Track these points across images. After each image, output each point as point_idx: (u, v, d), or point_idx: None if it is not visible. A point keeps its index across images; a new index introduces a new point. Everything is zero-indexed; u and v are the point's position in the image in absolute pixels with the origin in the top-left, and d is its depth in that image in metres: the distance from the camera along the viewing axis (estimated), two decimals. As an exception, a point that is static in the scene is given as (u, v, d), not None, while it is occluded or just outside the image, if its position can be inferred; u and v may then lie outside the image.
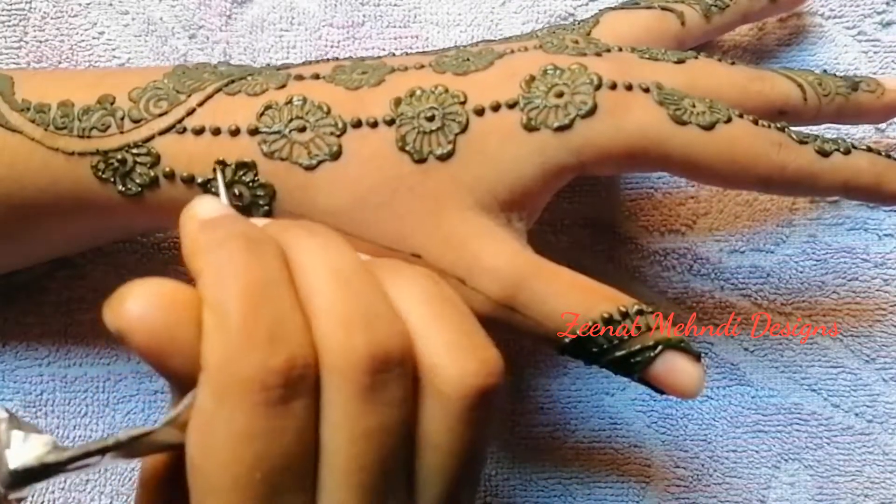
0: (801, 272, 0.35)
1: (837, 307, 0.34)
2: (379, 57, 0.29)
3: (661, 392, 0.25)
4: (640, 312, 0.25)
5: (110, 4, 0.35)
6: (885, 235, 0.34)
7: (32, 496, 0.34)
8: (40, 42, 0.35)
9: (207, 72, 0.27)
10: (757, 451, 0.34)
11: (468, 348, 0.22)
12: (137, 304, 0.20)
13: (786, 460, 0.34)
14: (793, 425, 0.34)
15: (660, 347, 0.25)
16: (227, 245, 0.21)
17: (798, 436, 0.34)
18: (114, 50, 0.35)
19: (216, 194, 0.26)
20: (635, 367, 0.25)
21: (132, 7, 0.35)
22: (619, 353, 0.25)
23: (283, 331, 0.20)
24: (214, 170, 0.26)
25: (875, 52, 0.35)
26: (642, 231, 0.35)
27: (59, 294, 0.35)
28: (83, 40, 0.35)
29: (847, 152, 0.28)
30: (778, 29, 0.35)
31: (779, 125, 0.27)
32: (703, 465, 0.34)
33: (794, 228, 0.35)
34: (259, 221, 0.24)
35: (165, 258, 0.35)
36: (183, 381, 0.20)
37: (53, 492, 0.34)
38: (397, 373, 0.21)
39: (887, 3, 0.35)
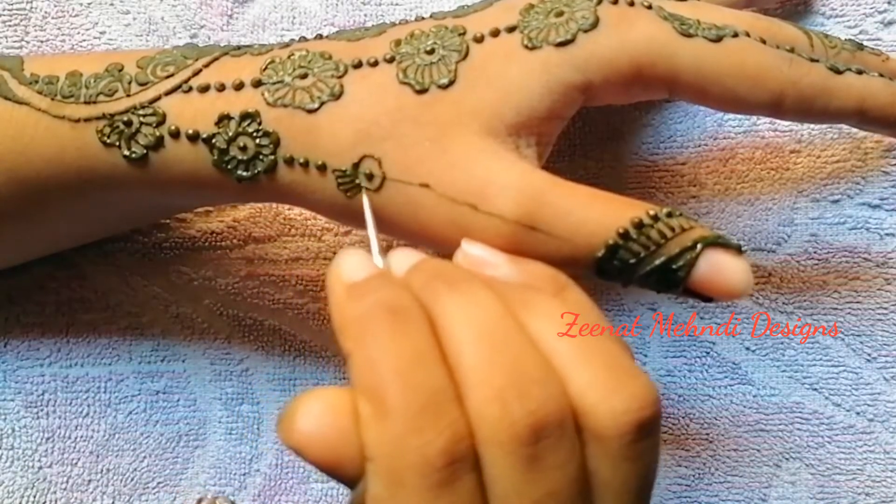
0: (803, 271, 0.35)
1: (839, 306, 0.34)
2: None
3: (709, 300, 0.24)
4: (670, 214, 0.24)
5: (111, 4, 0.35)
6: (887, 235, 0.34)
7: (34, 496, 0.34)
8: (41, 42, 0.35)
9: (218, 48, 0.28)
10: (758, 450, 0.34)
11: (617, 383, 0.21)
12: (306, 423, 0.20)
13: (787, 459, 0.34)
14: (794, 424, 0.34)
15: (700, 246, 0.23)
16: (373, 323, 0.21)
17: (799, 434, 0.34)
18: (115, 50, 0.35)
19: (221, 150, 0.26)
20: (678, 273, 0.23)
21: (133, 7, 0.35)
22: (658, 261, 0.23)
23: (439, 408, 0.20)
24: (364, 195, 0.25)
25: (876, 52, 0.35)
26: (644, 230, 0.35)
27: (59, 294, 0.35)
28: (84, 40, 0.35)
29: (859, 73, 0.27)
30: (779, 28, 0.36)
31: (787, 47, 0.27)
32: (704, 464, 0.35)
33: (796, 228, 0.35)
34: (401, 261, 0.23)
35: (167, 258, 0.35)
36: (357, 480, 0.21)
37: (55, 492, 0.34)
38: (558, 434, 0.20)
39: (888, 3, 0.35)
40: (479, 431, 0.20)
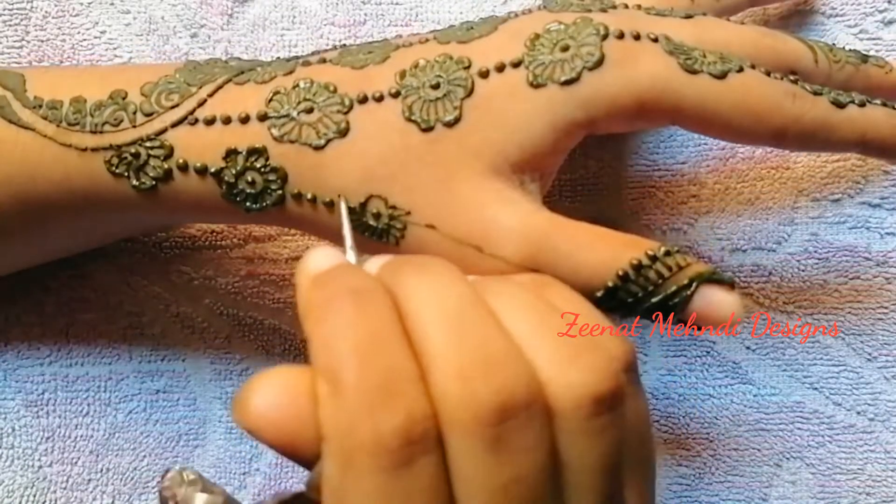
0: (803, 271, 0.35)
1: (839, 306, 0.34)
2: (385, 39, 0.29)
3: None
4: (667, 254, 0.24)
5: (112, 3, 0.35)
6: (887, 234, 0.34)
7: (34, 495, 0.34)
8: (42, 41, 0.35)
9: (218, 66, 0.28)
10: (759, 450, 0.34)
11: (572, 357, 0.20)
12: (262, 402, 0.20)
13: (788, 458, 0.34)
14: (794, 423, 0.34)
15: (694, 284, 0.24)
16: (334, 304, 0.20)
17: (800, 434, 0.34)
18: (115, 49, 0.35)
19: (229, 184, 0.26)
20: (674, 310, 0.24)
21: (133, 6, 0.35)
22: (655, 300, 0.24)
23: (397, 388, 0.19)
24: (339, 201, 0.26)
25: (876, 51, 0.35)
26: (644, 229, 0.35)
27: (60, 294, 0.35)
28: (85, 39, 0.35)
29: (862, 105, 0.27)
30: (779, 28, 0.35)
31: (791, 77, 0.27)
32: (705, 464, 0.35)
33: (796, 227, 0.35)
34: (375, 263, 0.23)
35: (167, 258, 0.35)
36: (314, 462, 0.20)
37: (55, 491, 0.34)
38: (526, 416, 0.20)
39: (889, 2, 0.35)
40: (441, 411, 0.19)
